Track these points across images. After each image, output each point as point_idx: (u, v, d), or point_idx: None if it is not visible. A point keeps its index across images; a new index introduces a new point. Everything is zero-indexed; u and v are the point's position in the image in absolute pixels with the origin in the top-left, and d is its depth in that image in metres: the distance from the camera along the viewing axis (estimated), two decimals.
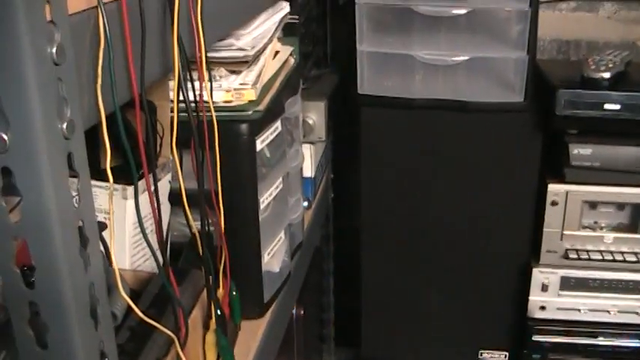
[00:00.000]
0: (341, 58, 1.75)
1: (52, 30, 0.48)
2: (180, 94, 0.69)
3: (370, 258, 1.71)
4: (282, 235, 1.15)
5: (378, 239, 1.69)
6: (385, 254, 1.70)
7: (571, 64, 1.79)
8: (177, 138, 0.73)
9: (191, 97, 0.76)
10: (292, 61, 1.24)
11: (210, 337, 0.82)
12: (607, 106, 1.48)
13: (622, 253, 1.57)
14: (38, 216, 0.50)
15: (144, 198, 0.69)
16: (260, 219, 1.04)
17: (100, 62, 0.53)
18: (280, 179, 1.13)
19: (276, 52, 1.16)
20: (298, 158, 1.26)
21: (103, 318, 0.57)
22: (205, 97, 0.78)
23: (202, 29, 0.73)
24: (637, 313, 1.62)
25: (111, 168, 0.61)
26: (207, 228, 0.83)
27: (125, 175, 0.63)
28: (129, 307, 0.66)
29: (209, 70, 0.78)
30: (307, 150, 1.46)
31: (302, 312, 1.53)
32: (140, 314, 0.63)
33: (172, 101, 0.70)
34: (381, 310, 1.76)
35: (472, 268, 1.67)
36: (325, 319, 2.00)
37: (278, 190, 1.11)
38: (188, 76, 0.73)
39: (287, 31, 1.32)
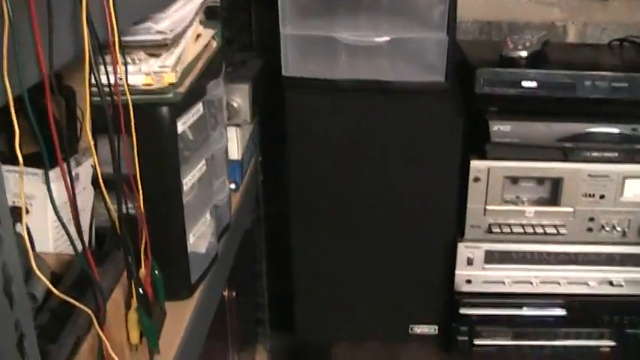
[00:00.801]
0: (266, 42, 1.76)
1: None
2: (93, 77, 0.69)
3: (300, 240, 1.73)
4: (207, 216, 1.16)
5: (307, 221, 1.71)
6: (315, 236, 1.72)
7: (492, 45, 1.84)
8: (93, 122, 0.74)
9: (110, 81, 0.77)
10: (215, 44, 1.25)
11: (133, 316, 0.83)
12: (524, 84, 1.53)
13: (542, 226, 1.62)
14: None
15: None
16: (184, 201, 1.05)
17: (4, 44, 0.54)
18: (204, 161, 1.14)
19: (198, 36, 1.17)
20: (222, 141, 1.27)
21: (19, 298, 0.58)
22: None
23: (115, 11, 0.74)
24: (558, 283, 1.68)
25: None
26: (127, 211, 0.84)
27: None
28: (49, 290, 0.67)
29: (123, 53, 0.79)
30: (233, 133, 1.47)
31: (234, 295, 1.54)
32: (57, 293, 0.64)
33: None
34: (313, 292, 1.78)
35: (400, 245, 1.70)
36: (260, 303, 2.01)
37: (202, 172, 1.12)
38: (102, 60, 0.74)
39: (210, 14, 1.32)
